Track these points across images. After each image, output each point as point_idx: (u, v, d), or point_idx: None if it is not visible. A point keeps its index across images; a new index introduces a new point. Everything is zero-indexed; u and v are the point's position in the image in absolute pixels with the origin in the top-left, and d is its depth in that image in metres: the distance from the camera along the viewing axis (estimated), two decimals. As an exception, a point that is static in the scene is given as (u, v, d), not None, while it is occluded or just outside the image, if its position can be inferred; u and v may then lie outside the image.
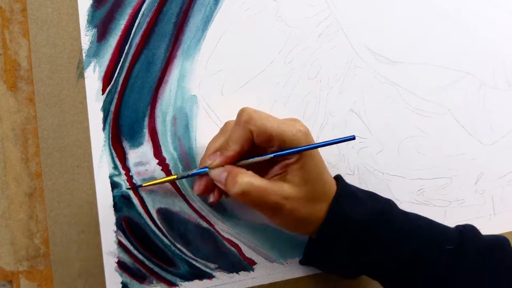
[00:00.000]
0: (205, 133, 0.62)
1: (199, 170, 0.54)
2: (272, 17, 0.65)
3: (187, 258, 0.60)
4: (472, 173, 0.77)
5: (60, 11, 0.56)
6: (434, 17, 0.76)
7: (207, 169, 0.53)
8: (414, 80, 0.73)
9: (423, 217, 0.59)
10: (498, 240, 0.57)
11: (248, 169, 0.53)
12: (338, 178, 0.58)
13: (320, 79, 0.68)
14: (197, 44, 0.62)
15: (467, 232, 0.58)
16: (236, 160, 0.53)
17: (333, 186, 0.56)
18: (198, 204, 0.61)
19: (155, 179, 0.57)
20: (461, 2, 0.78)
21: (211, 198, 0.56)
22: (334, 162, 0.68)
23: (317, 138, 0.67)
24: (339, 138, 0.53)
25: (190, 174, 0.55)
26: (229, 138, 0.52)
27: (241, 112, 0.52)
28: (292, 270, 0.66)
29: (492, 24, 0.80)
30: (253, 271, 0.63)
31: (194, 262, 0.60)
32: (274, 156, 0.52)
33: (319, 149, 0.54)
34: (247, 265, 0.63)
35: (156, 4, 0.59)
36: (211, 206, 0.61)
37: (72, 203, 0.56)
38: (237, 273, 0.62)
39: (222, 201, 0.61)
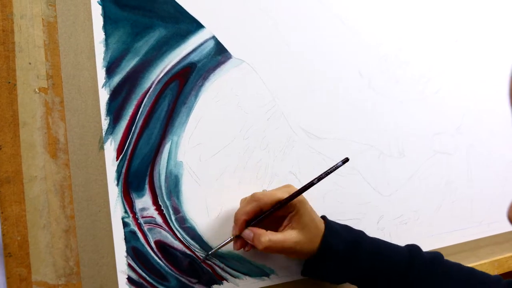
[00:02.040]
0: (189, 188, 0.78)
1: (227, 241, 0.76)
2: (235, 107, 0.83)
3: (176, 275, 0.75)
4: (375, 216, 0.96)
5: (87, 103, 0.71)
6: (349, 108, 0.95)
7: (230, 238, 0.76)
8: (334, 150, 0.92)
9: (382, 241, 0.78)
10: (436, 254, 0.76)
11: (267, 224, 0.74)
12: (323, 217, 0.78)
13: (268, 150, 0.85)
14: (183, 125, 0.78)
15: (414, 249, 0.77)
16: (250, 221, 0.74)
17: (321, 224, 0.75)
18: (183, 238, 0.77)
19: (155, 220, 0.76)
20: (369, 98, 0.97)
21: (246, 249, 0.76)
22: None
23: (267, 189, 0.84)
24: (332, 168, 0.75)
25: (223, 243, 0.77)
26: (244, 210, 0.74)
27: (251, 198, 0.74)
28: (254, 283, 0.83)
29: (389, 113, 1.01)
30: (223, 284, 0.80)
31: (181, 278, 0.76)
32: (273, 209, 0.73)
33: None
34: (218, 280, 0.80)
35: (153, 98, 0.76)
36: (193, 239, 0.79)
37: (96, 237, 0.69)
38: (211, 286, 0.78)
39: (201, 235, 0.79)
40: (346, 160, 0.72)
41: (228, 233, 0.81)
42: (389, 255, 0.75)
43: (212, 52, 0.83)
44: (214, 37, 0.82)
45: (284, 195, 0.72)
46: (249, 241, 0.73)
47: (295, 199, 0.72)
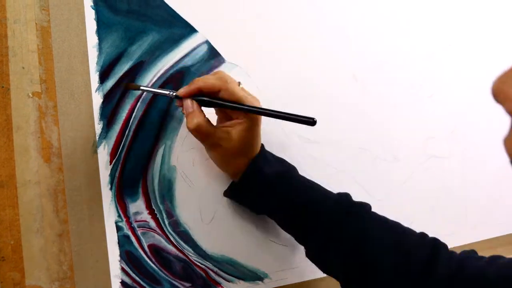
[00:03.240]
0: (182, 192, 0.79)
1: (165, 91, 0.72)
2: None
3: (169, 279, 0.76)
4: None
5: (80, 108, 0.72)
6: (343, 112, 0.97)
7: (171, 92, 0.71)
8: (328, 154, 0.93)
9: (312, 181, 0.75)
10: (362, 204, 0.73)
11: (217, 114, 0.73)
12: (262, 144, 0.74)
13: None
14: (176, 130, 0.79)
15: (343, 195, 0.73)
16: (195, 94, 0.68)
17: (257, 149, 0.72)
18: (177, 242, 0.78)
19: (148, 225, 0.77)
20: (363, 102, 0.99)
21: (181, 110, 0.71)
22: (272, 212, 0.86)
23: None
24: (296, 115, 0.66)
25: (157, 91, 0.73)
26: (204, 79, 0.68)
27: (220, 72, 0.69)
28: (247, 287, 0.84)
29: (383, 117, 1.01)
30: None
31: (174, 282, 0.77)
32: (231, 106, 0.68)
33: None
34: (212, 285, 0.81)
35: (146, 102, 0.78)
36: (187, 243, 0.80)
37: (89, 241, 0.70)
38: None
39: (195, 239, 0.80)
40: (313, 121, 0.65)
41: (221, 237, 0.83)
42: (317, 192, 0.73)
43: (206, 57, 0.84)
44: (207, 42, 0.84)
45: (253, 101, 0.69)
46: (184, 112, 0.69)
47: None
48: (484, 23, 1.18)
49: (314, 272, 0.90)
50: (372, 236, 0.67)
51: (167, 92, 0.70)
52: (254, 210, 0.77)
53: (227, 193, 0.77)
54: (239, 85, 0.69)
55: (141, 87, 0.71)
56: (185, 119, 0.76)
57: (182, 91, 0.68)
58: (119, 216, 0.73)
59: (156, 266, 0.75)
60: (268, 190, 0.71)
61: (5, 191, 0.66)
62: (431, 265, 0.63)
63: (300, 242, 0.74)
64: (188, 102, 0.68)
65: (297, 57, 0.93)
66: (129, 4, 0.79)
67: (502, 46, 1.19)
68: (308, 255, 0.73)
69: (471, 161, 1.12)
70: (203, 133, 0.67)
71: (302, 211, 0.70)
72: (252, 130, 0.70)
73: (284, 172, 0.72)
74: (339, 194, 0.73)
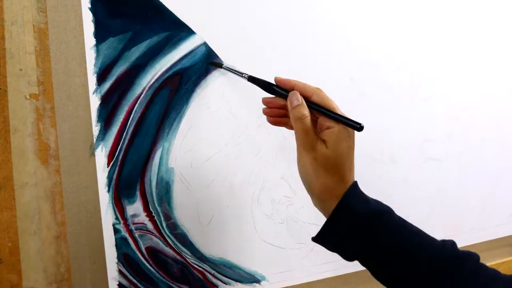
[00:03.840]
0: (180, 194, 0.79)
1: (241, 72, 0.76)
2: (226, 113, 0.84)
3: (166, 281, 0.77)
4: None
5: (78, 109, 0.73)
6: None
7: (245, 74, 0.74)
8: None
9: (415, 227, 0.65)
10: (470, 253, 0.63)
11: None
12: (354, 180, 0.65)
13: (260, 156, 0.87)
14: (174, 132, 0.80)
15: (448, 243, 0.63)
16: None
17: (351, 177, 0.64)
18: (174, 244, 0.79)
19: (146, 227, 0.78)
20: (360, 104, 0.99)
21: (269, 119, 0.72)
22: (269, 213, 0.87)
23: (257, 198, 0.86)
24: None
25: (236, 71, 0.76)
26: (299, 81, 0.67)
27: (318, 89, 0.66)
28: None
29: (380, 119, 1.02)
30: None
31: (171, 284, 0.78)
32: (328, 112, 0.64)
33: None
34: (210, 287, 0.81)
35: (144, 104, 0.78)
36: (185, 246, 0.80)
37: (87, 243, 0.71)
38: None
39: (192, 242, 0.81)
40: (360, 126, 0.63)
41: (219, 240, 0.83)
42: (419, 237, 0.64)
43: (203, 58, 0.84)
44: (205, 44, 0.84)
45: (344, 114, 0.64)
46: (288, 102, 0.67)
47: (350, 130, 0.65)
48: (480, 25, 1.19)
49: (311, 275, 0.91)
50: None
51: (243, 74, 0.75)
52: (346, 253, 0.67)
53: (317, 238, 0.67)
54: None
55: (223, 66, 0.77)
56: (189, 132, 0.76)
57: (279, 78, 0.69)
58: (116, 218, 0.74)
59: (154, 268, 0.76)
60: (365, 228, 0.63)
61: (2, 193, 0.67)
62: None
63: None
64: (297, 95, 0.66)
65: (294, 60, 0.93)
66: (126, 6, 0.79)
67: (499, 49, 1.19)
68: None
69: (468, 164, 1.13)
70: (308, 125, 0.64)
71: (399, 258, 0.62)
72: (347, 143, 0.64)
73: (381, 211, 0.64)
74: (443, 241, 0.64)
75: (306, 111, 0.64)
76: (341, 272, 0.94)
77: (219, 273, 0.81)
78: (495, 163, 1.14)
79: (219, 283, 0.81)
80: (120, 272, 0.73)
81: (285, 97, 0.67)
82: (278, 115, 0.70)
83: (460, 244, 0.95)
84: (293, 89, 0.66)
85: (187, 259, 0.79)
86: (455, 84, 1.11)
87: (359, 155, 0.93)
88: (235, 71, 0.75)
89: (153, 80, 0.79)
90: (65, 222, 0.71)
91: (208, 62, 0.77)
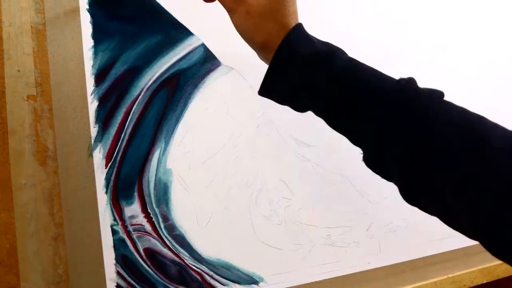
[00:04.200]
0: (178, 196, 0.79)
1: None
2: (224, 114, 0.85)
3: (165, 283, 0.76)
4: (364, 224, 0.96)
5: (76, 110, 0.73)
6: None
7: None
8: (323, 158, 0.93)
9: (363, 63, 0.58)
10: (433, 90, 0.55)
11: None
12: (298, 23, 0.59)
13: (258, 158, 0.87)
14: (172, 133, 0.80)
15: (406, 81, 0.56)
16: None
17: (294, 20, 0.59)
18: (173, 245, 0.79)
19: (144, 228, 0.79)
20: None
21: None
22: (267, 215, 0.87)
23: (255, 199, 0.87)
24: None
25: None
26: None
27: None
28: None
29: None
30: None
31: (169, 286, 0.77)
32: None
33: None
34: (208, 288, 0.80)
35: (142, 105, 0.78)
36: (183, 247, 0.80)
37: (85, 245, 0.71)
38: None
39: (190, 243, 0.81)
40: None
41: (217, 241, 0.83)
42: (373, 75, 0.58)
43: (201, 60, 0.84)
44: (203, 45, 0.84)
45: None
46: None
47: None
48: (481, 27, 1.19)
49: (310, 276, 0.91)
50: (440, 132, 0.51)
51: None
52: (294, 103, 0.62)
53: (262, 88, 0.63)
54: None
55: None
56: (187, 134, 0.79)
57: None
58: (114, 219, 0.74)
59: (152, 270, 0.76)
60: (310, 71, 0.56)
61: (0, 195, 0.66)
62: None
63: (354, 142, 0.61)
64: None
65: None
66: (124, 7, 0.79)
67: (500, 51, 1.19)
68: (364, 157, 0.61)
69: None
70: None
71: (352, 98, 0.56)
72: None
73: (328, 51, 0.58)
74: (400, 79, 0.56)
75: None
76: (339, 274, 0.93)
77: (217, 274, 0.81)
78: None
79: (217, 284, 0.81)
80: (118, 273, 0.73)
81: None
82: None
83: (458, 245, 0.97)
84: None
85: (185, 260, 0.78)
86: (454, 85, 1.12)
87: (356, 157, 0.93)
88: None
89: (151, 82, 0.80)
90: (63, 223, 0.70)
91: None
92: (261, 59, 0.63)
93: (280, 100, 0.62)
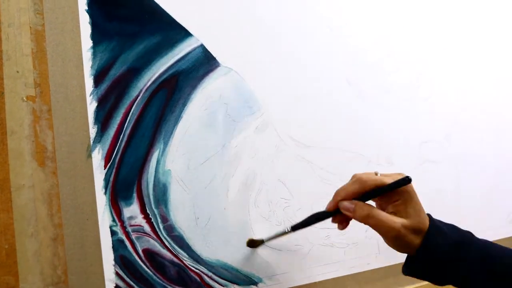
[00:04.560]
0: (177, 197, 0.80)
1: (282, 230, 0.80)
2: (223, 115, 0.85)
3: (164, 284, 0.77)
4: (363, 225, 0.95)
5: (75, 111, 0.73)
6: (337, 116, 0.98)
7: (287, 229, 0.78)
8: (322, 158, 0.94)
9: (494, 243, 0.70)
10: None
11: None
12: (428, 215, 0.70)
13: (257, 158, 0.88)
14: (171, 134, 0.80)
15: None
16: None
17: (426, 220, 0.69)
18: (171, 246, 0.79)
19: (143, 229, 0.78)
20: (357, 106, 1.00)
21: (340, 228, 0.74)
22: (267, 216, 0.87)
23: (255, 200, 0.87)
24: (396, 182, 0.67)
25: (278, 234, 0.79)
26: (343, 189, 0.70)
27: (355, 175, 0.70)
28: None
29: (377, 121, 1.02)
30: None
31: (168, 287, 0.77)
32: (378, 191, 0.69)
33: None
34: (207, 289, 0.79)
35: (141, 106, 0.78)
36: (182, 248, 0.80)
37: (84, 245, 0.71)
38: None
39: (189, 243, 0.81)
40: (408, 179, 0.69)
41: (216, 242, 0.83)
42: (503, 257, 0.68)
43: (200, 60, 0.85)
44: (202, 45, 0.85)
45: (389, 181, 0.68)
46: (347, 212, 0.70)
47: (402, 188, 0.68)
48: (481, 26, 1.19)
49: (308, 277, 0.91)
50: None
51: (285, 230, 0.79)
52: (437, 283, 0.72)
53: (406, 270, 0.74)
54: (376, 174, 0.70)
55: (264, 241, 0.81)
56: (186, 134, 0.77)
57: (329, 206, 0.73)
58: (113, 220, 0.74)
59: (151, 271, 0.76)
60: (446, 263, 0.68)
61: None
62: None
63: None
64: (345, 203, 0.70)
65: (291, 61, 0.95)
66: (123, 8, 0.80)
67: (498, 50, 1.20)
68: None
69: (465, 166, 1.14)
70: (379, 215, 0.68)
71: (488, 276, 0.66)
72: (412, 199, 0.69)
73: (459, 242, 0.69)
74: None
75: (366, 206, 0.69)
76: (338, 275, 0.94)
77: (216, 275, 0.81)
78: (493, 164, 1.14)
79: (216, 285, 0.81)
80: (117, 274, 0.73)
81: (339, 213, 0.72)
82: (343, 220, 0.75)
83: None
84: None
85: (184, 261, 0.78)
86: (454, 85, 1.11)
87: (355, 158, 0.94)
88: (277, 235, 0.81)
89: (149, 82, 0.80)
90: (62, 224, 0.70)
91: (247, 242, 0.84)
92: (392, 247, 0.71)
93: (423, 279, 0.72)
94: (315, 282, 0.91)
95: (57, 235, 0.70)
